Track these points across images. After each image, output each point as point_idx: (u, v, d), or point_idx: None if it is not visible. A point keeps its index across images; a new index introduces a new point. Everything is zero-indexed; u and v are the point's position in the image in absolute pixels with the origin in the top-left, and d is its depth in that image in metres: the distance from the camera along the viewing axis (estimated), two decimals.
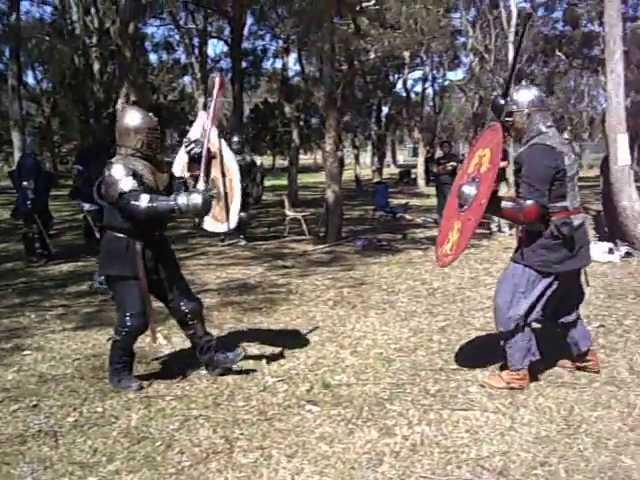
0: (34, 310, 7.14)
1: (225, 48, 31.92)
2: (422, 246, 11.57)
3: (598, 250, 9.97)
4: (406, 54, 28.74)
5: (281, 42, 24.74)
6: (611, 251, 9.86)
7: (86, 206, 10.40)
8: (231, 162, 4.76)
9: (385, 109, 37.81)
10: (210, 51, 48.13)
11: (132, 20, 10.85)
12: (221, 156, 4.71)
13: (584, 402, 4.33)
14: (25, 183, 10.04)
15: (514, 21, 26.98)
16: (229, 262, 9.92)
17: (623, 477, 3.38)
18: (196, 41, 30.98)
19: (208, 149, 4.61)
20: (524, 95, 4.53)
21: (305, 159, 51.90)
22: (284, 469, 3.48)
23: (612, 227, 11.01)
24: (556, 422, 4.02)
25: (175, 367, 5.15)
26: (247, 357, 5.02)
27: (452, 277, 8.65)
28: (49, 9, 30.91)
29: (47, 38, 28.83)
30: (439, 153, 14.70)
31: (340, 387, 4.66)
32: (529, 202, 4.24)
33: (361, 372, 4.97)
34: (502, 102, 4.72)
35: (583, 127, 55.75)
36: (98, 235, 10.81)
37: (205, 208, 4.36)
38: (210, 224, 4.84)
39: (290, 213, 13.63)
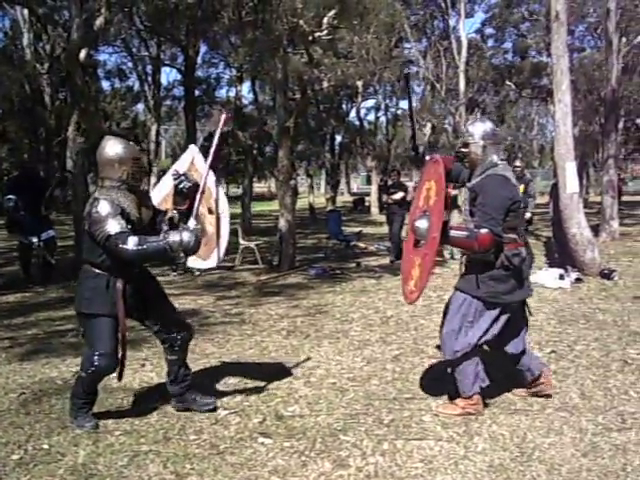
0: None
1: (178, 76, 31.81)
2: (375, 274, 11.60)
3: (549, 276, 10.12)
4: (359, 83, 29.02)
5: (234, 71, 24.83)
6: (562, 277, 10.02)
7: (34, 239, 10.28)
8: (221, 199, 4.61)
9: (339, 137, 38.09)
10: (163, 79, 48.02)
11: (83, 47, 10.74)
12: (209, 192, 4.53)
13: (537, 429, 4.35)
14: None
15: (464, 52, 27.64)
16: (180, 292, 9.79)
17: None
18: (149, 69, 30.85)
19: (197, 184, 4.44)
20: (479, 128, 4.71)
21: (259, 187, 51.89)
22: None
23: (562, 253, 11.20)
24: (509, 450, 4.02)
25: (124, 401, 5.03)
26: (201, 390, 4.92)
27: (405, 305, 8.60)
28: None
29: None
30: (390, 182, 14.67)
31: (293, 418, 4.59)
32: (483, 230, 4.32)
33: (314, 403, 4.91)
34: (414, 154, 4.94)
35: (533, 155, 56.99)
36: (47, 263, 10.70)
37: (196, 246, 4.21)
38: (191, 260, 4.66)
39: (243, 242, 13.51)
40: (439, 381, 5.24)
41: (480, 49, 33.13)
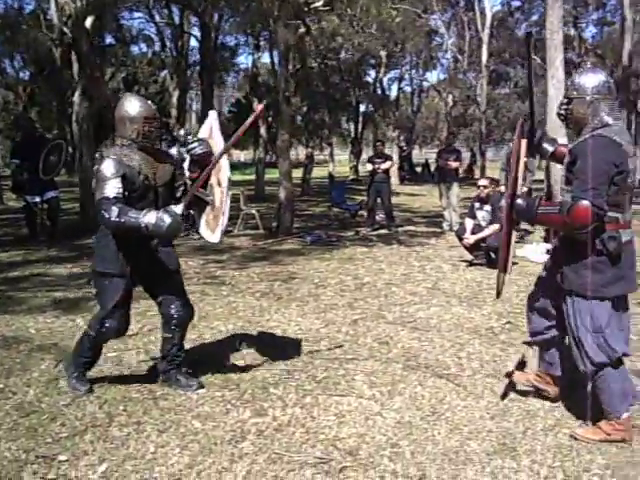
0: None
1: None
2: (370, 243, 11.81)
3: None
4: (383, 53, 29.00)
5: (251, 38, 24.99)
6: None
7: (37, 199, 10.79)
8: (225, 175, 4.35)
9: (363, 107, 38.10)
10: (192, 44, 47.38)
11: (89, 14, 11.04)
12: (219, 166, 4.31)
13: (458, 392, 4.55)
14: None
15: (488, 23, 27.41)
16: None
17: (464, 459, 3.61)
18: (169, 34, 31.06)
19: (210, 153, 4.36)
20: (588, 80, 3.89)
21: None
22: (151, 442, 3.76)
23: None
24: (423, 409, 4.26)
25: None
26: None
27: (386, 273, 8.91)
28: None
29: (25, 27, 28.90)
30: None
31: (234, 372, 4.91)
32: (582, 202, 3.58)
33: (259, 359, 5.23)
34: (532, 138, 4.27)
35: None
36: (49, 223, 11.19)
37: (169, 232, 4.05)
38: (203, 229, 4.52)
39: (244, 208, 13.88)
40: (383, 345, 5.56)
41: (505, 21, 32.83)
